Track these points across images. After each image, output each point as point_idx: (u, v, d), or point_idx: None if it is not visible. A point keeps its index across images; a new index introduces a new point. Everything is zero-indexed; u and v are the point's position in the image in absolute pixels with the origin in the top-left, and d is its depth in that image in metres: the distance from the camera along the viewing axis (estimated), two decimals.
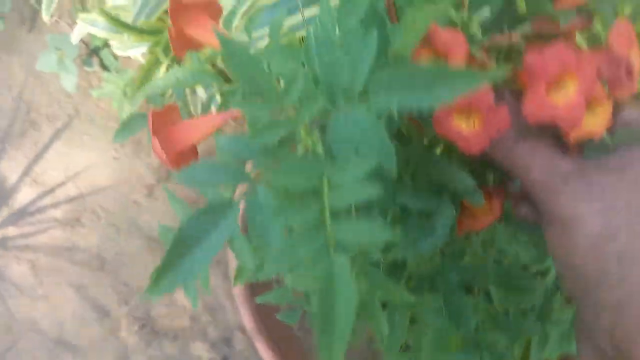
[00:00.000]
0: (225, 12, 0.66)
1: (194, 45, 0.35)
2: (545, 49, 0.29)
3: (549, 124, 0.31)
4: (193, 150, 0.35)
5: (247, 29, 0.49)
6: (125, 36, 0.88)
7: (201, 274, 0.45)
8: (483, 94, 0.30)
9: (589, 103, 0.31)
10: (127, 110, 1.03)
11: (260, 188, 0.28)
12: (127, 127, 0.45)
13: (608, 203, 0.31)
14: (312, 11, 0.61)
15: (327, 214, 0.25)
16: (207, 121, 0.33)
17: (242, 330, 1.32)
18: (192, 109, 0.94)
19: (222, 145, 0.29)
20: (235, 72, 0.27)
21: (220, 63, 0.46)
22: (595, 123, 0.31)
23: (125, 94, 1.24)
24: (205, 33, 0.33)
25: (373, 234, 0.24)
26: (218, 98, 0.44)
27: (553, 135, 0.33)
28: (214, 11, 0.35)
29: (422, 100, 0.25)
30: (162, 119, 0.33)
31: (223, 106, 0.42)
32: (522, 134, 0.33)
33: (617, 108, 0.33)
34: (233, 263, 0.96)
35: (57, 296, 1.37)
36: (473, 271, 0.42)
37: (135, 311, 1.35)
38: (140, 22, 0.91)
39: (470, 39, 0.31)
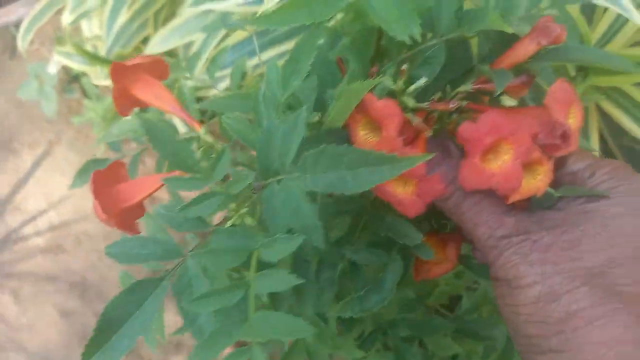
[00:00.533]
0: (190, 55, 0.67)
1: (140, 105, 0.35)
2: (479, 118, 0.29)
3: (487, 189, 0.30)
4: (139, 206, 0.34)
5: (210, 71, 0.50)
6: (99, 68, 0.88)
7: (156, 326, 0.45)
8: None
9: (528, 165, 0.31)
10: (100, 142, 1.03)
11: (190, 262, 0.28)
12: (83, 174, 0.45)
13: (549, 265, 0.31)
14: (271, 53, 0.62)
15: (251, 300, 0.26)
16: (151, 180, 0.33)
17: None
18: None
19: (158, 213, 0.29)
20: (158, 150, 0.27)
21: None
22: (536, 183, 0.31)
23: (104, 120, 1.25)
24: (149, 94, 0.33)
25: (291, 329, 0.24)
26: None
27: None
28: (160, 69, 0.34)
29: (346, 182, 0.26)
30: (107, 177, 0.33)
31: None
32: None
33: (562, 159, 0.34)
34: None
35: (42, 324, 1.36)
36: (424, 325, 0.41)
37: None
38: (115, 53, 0.92)
39: (406, 106, 0.31)
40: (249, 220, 0.29)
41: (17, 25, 1.11)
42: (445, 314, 0.55)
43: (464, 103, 0.32)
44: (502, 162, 0.30)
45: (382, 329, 0.41)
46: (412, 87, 0.31)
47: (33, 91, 1.30)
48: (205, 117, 0.49)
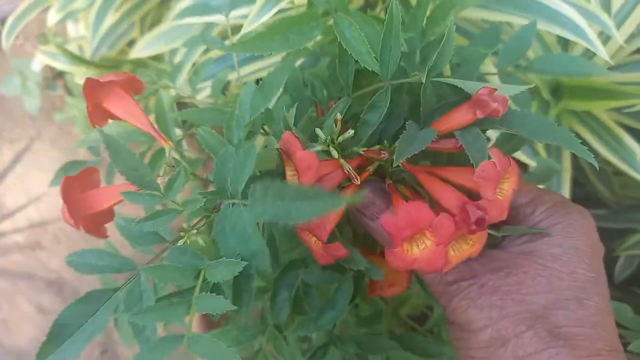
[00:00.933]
0: (175, 64, 0.68)
1: (112, 117, 0.36)
2: (398, 212, 0.30)
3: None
4: (109, 212, 0.35)
5: (192, 82, 0.51)
6: (84, 69, 0.89)
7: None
8: (318, 231, 0.32)
9: (459, 237, 0.32)
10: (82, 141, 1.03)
11: (142, 276, 0.30)
12: (63, 173, 0.46)
13: (495, 310, 0.32)
14: (251, 68, 0.63)
15: (191, 318, 0.28)
16: (116, 190, 0.34)
17: None
18: None
19: (117, 224, 0.30)
20: (117, 165, 0.29)
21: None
22: (469, 249, 0.33)
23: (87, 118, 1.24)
24: (121, 110, 0.34)
25: (221, 355, 0.26)
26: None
27: None
28: (134, 85, 0.35)
29: (290, 214, 0.27)
30: (79, 182, 0.34)
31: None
32: None
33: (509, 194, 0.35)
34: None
35: (17, 320, 1.35)
36: (369, 342, 0.43)
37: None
38: (100, 56, 0.92)
39: (332, 155, 0.33)
40: (200, 241, 0.31)
41: (2, 21, 1.10)
42: (414, 326, 0.57)
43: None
44: (425, 247, 0.31)
45: (333, 343, 0.43)
46: (341, 138, 0.33)
47: (16, 87, 1.30)
48: (185, 126, 0.50)
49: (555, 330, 0.31)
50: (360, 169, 0.34)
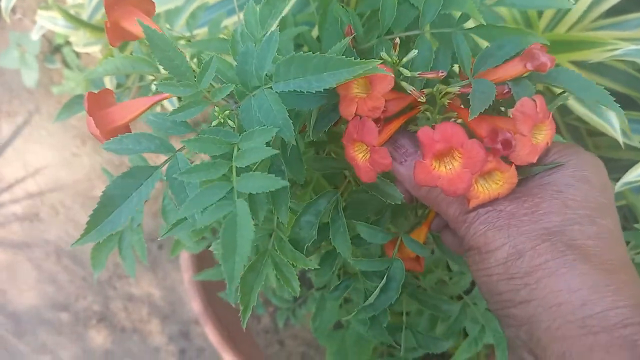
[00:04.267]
0: (172, 10, 0.71)
1: (129, 37, 0.39)
2: (436, 126, 0.33)
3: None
4: (126, 128, 0.38)
5: (189, 24, 0.54)
6: (82, 33, 0.92)
7: (139, 247, 0.50)
8: (369, 134, 0.34)
9: (488, 172, 0.34)
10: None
11: (180, 155, 0.33)
12: (68, 108, 0.49)
13: (513, 229, 0.34)
14: None
15: (234, 170, 0.31)
16: (138, 103, 0.37)
17: (199, 322, 1.35)
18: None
19: (149, 120, 0.34)
20: (159, 58, 0.32)
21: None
22: (497, 189, 0.35)
23: (85, 90, 1.27)
24: (138, 26, 0.37)
25: (266, 184, 0.29)
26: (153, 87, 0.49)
27: None
28: (147, 6, 0.39)
29: (311, 84, 0.30)
30: (98, 100, 0.37)
31: (157, 92, 0.47)
32: None
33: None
34: (185, 255, 1.00)
35: (15, 290, 1.38)
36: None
37: (94, 305, 1.37)
38: (96, 19, 0.95)
39: (401, 74, 0.35)
40: (231, 123, 0.34)
41: None
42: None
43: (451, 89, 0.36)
44: (451, 168, 0.33)
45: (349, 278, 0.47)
46: (405, 59, 0.35)
47: (14, 60, 1.32)
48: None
49: (571, 242, 0.33)
50: (410, 108, 0.37)
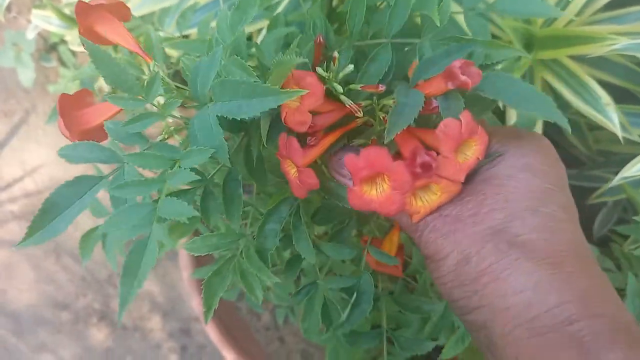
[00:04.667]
0: (161, 10, 0.71)
1: (104, 42, 0.38)
2: (360, 153, 0.32)
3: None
4: (101, 131, 0.38)
5: (180, 25, 0.54)
6: (77, 32, 0.91)
7: (117, 245, 0.51)
8: (295, 154, 0.34)
9: (424, 186, 0.34)
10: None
11: (128, 167, 0.34)
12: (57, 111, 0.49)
13: (459, 234, 0.33)
14: None
15: (164, 191, 0.32)
16: (109, 107, 0.37)
17: (199, 319, 1.35)
18: None
19: (107, 127, 0.35)
20: (104, 74, 0.32)
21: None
22: (437, 199, 0.35)
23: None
24: (110, 31, 0.37)
25: (183, 211, 0.30)
26: None
27: None
28: (121, 12, 0.38)
29: (243, 109, 0.31)
30: (74, 101, 0.37)
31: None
32: None
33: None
34: (184, 252, 1.00)
35: (14, 290, 1.38)
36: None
37: (94, 303, 1.37)
38: None
39: (334, 91, 0.35)
40: (177, 138, 0.35)
41: None
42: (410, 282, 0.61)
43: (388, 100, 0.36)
44: (382, 190, 0.33)
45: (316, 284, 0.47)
46: (341, 74, 0.35)
47: (10, 59, 1.31)
48: (172, 62, 0.54)
49: (514, 239, 0.32)
50: (349, 120, 0.36)
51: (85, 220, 1.42)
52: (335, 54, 0.36)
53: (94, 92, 0.41)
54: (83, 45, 0.37)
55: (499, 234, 0.32)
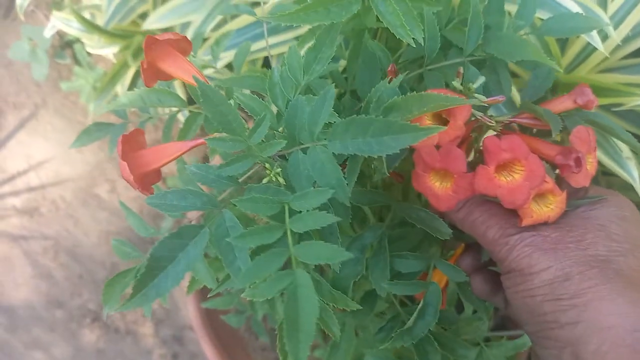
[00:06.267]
0: (192, 36, 0.70)
1: (163, 77, 0.38)
2: (504, 136, 0.34)
3: (493, 198, 0.35)
4: (157, 172, 0.38)
5: (214, 51, 0.54)
6: (97, 37, 0.91)
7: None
8: (457, 161, 0.35)
9: (542, 194, 0.36)
10: (92, 111, 1.05)
11: (227, 213, 0.32)
12: (88, 134, 0.48)
13: (561, 252, 0.35)
14: (276, 39, 0.66)
15: (290, 236, 0.29)
16: (173, 147, 0.36)
17: (193, 329, 1.34)
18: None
19: (191, 172, 0.32)
20: (210, 113, 0.30)
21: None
22: (548, 212, 0.36)
23: (94, 89, 1.26)
24: (175, 67, 0.37)
25: (328, 254, 0.28)
26: (180, 118, 0.48)
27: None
28: (184, 46, 0.38)
29: (372, 148, 0.29)
30: (130, 142, 0.36)
31: (185, 129, 0.46)
32: (482, 197, 0.38)
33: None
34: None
35: (10, 284, 1.37)
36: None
37: (89, 304, 1.36)
38: (112, 25, 0.94)
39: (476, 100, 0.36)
40: (281, 180, 0.33)
41: None
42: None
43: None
44: (512, 179, 0.35)
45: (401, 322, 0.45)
46: (475, 85, 0.37)
47: (24, 53, 1.31)
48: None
49: (619, 271, 0.33)
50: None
51: (86, 219, 1.40)
52: (461, 69, 0.38)
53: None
54: (145, 78, 0.36)
55: (605, 263, 0.34)
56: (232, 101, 0.39)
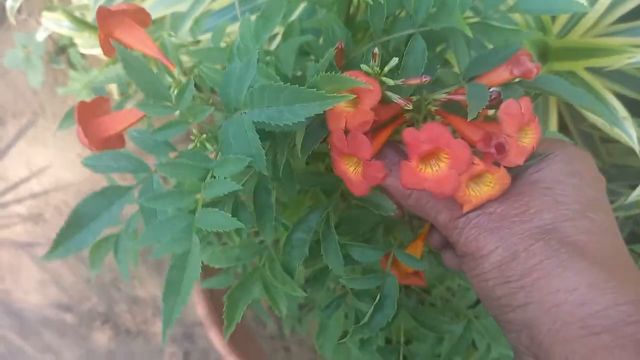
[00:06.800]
0: (175, 17, 0.70)
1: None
2: (422, 127, 0.32)
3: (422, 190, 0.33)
4: (120, 138, 0.38)
5: (193, 31, 0.53)
6: (87, 35, 0.91)
7: (132, 253, 0.50)
8: (361, 147, 0.33)
9: (478, 175, 0.33)
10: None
11: (155, 177, 0.32)
12: (70, 116, 0.49)
13: (505, 230, 0.33)
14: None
15: (200, 202, 0.31)
16: (130, 114, 0.36)
17: (203, 325, 1.35)
18: None
19: (131, 136, 0.33)
20: (135, 80, 0.31)
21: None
22: (489, 191, 0.34)
23: (89, 90, 1.27)
24: (131, 37, 0.36)
25: (225, 222, 0.29)
26: None
27: None
28: (142, 17, 0.37)
29: (283, 115, 0.30)
30: (91, 109, 0.36)
31: None
32: None
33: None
34: None
35: (19, 291, 1.38)
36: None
37: (98, 307, 1.37)
38: None
39: (384, 84, 0.34)
40: (209, 147, 0.34)
41: None
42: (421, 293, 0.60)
43: (434, 99, 0.35)
44: (438, 169, 0.32)
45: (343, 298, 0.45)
46: (386, 68, 0.34)
47: (19, 60, 1.32)
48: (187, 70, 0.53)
49: (564, 239, 0.32)
50: (395, 117, 0.36)
51: None
52: (376, 50, 0.35)
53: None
54: (103, 49, 0.37)
55: (550, 233, 0.32)
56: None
